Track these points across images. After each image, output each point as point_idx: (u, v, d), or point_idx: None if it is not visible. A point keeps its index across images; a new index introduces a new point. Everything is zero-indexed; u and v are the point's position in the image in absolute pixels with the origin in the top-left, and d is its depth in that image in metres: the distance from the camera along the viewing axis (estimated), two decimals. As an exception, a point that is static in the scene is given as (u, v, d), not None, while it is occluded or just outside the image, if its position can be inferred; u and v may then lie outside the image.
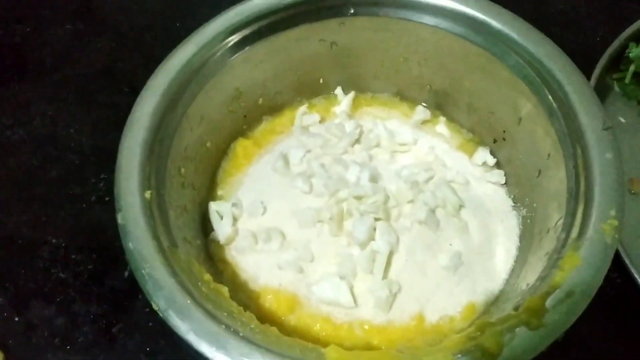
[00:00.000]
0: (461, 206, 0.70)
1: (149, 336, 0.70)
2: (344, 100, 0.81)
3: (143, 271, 0.53)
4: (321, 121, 0.80)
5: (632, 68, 0.87)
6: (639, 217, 0.77)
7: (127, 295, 0.72)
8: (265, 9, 0.71)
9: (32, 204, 0.80)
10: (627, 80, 0.87)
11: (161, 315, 0.52)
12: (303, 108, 0.81)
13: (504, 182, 0.74)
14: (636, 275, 0.67)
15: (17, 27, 1.00)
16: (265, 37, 0.72)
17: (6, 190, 0.81)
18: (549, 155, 0.65)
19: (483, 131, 0.77)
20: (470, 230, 0.69)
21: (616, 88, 0.89)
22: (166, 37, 0.97)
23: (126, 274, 0.74)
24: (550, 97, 0.64)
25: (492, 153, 0.76)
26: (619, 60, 0.88)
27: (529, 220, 0.69)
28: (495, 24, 0.68)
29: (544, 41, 0.66)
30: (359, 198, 0.68)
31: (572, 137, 0.61)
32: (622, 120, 0.88)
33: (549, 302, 0.52)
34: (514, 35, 0.67)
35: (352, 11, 0.72)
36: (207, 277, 0.58)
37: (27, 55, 0.97)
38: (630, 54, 0.87)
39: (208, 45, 0.68)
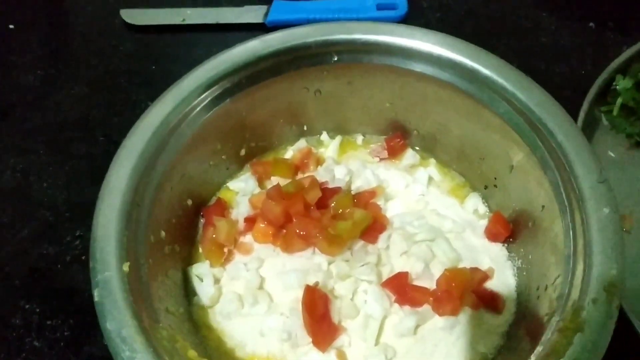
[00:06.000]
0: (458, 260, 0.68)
1: (131, 407, 0.66)
2: (330, 146, 0.79)
3: (123, 355, 0.50)
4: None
5: (619, 100, 0.85)
6: (632, 255, 0.74)
7: (107, 363, 0.68)
8: (245, 59, 0.68)
9: (3, 266, 0.75)
10: (615, 113, 0.86)
11: (144, 403, 0.48)
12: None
13: (497, 230, 0.72)
14: (632, 319, 0.64)
15: (-16, 74, 0.96)
16: (246, 88, 0.69)
17: (-26, 252, 0.77)
18: (543, 207, 0.63)
19: (474, 177, 0.75)
20: (465, 285, 0.66)
21: (604, 121, 0.88)
22: (142, 81, 0.94)
23: (105, 340, 0.69)
24: (542, 146, 0.62)
25: (484, 199, 0.74)
26: (607, 93, 0.87)
27: (524, 273, 0.67)
28: (483, 70, 0.66)
29: (534, 89, 0.64)
30: (347, 260, 0.66)
31: (566, 189, 0.59)
32: (612, 154, 0.86)
33: (553, 376, 0.49)
34: (503, 82, 0.65)
35: (335, 59, 0.70)
36: (192, 353, 0.55)
37: (-5, 104, 0.93)
38: (618, 86, 0.86)
39: (185, 100, 0.65)
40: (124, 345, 0.50)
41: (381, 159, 0.79)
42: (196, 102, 0.66)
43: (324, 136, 0.80)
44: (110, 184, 0.59)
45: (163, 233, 0.63)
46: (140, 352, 0.50)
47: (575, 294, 0.54)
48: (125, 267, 0.54)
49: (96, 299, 0.53)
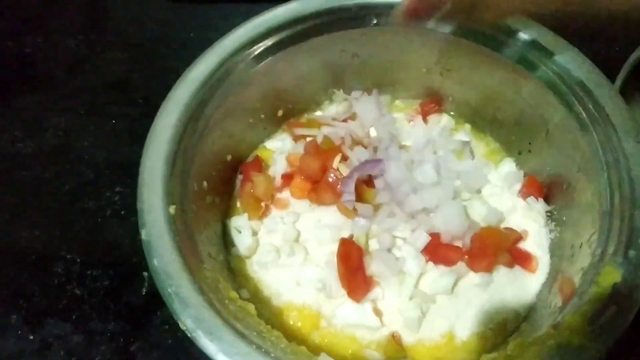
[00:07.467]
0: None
1: (168, 354, 0.68)
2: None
3: (170, 289, 0.52)
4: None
5: (652, 78, 0.85)
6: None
7: (145, 311, 0.70)
8: (285, 20, 0.69)
9: (46, 218, 0.78)
10: (649, 90, 0.86)
11: (189, 335, 0.50)
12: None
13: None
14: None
15: (28, 38, 0.98)
16: (286, 49, 0.70)
17: (19, 205, 0.79)
18: (579, 168, 0.64)
19: (508, 142, 0.76)
20: (501, 246, 0.67)
21: (637, 98, 0.87)
22: (180, 47, 0.96)
23: (143, 290, 0.72)
24: (580, 108, 0.63)
25: (518, 164, 0.75)
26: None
27: (558, 233, 0.68)
28: (521, 34, 0.67)
29: (572, 52, 0.65)
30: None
31: (604, 150, 0.60)
32: (644, 131, 0.86)
33: (589, 320, 0.50)
34: (542, 45, 0.66)
35: (374, 22, 0.71)
36: (234, 294, 0.57)
37: (37, 67, 0.96)
38: (651, 64, 0.85)
39: (229, 57, 0.67)
40: (170, 280, 0.52)
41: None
42: (239, 59, 0.68)
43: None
44: (156, 132, 0.61)
45: (205, 183, 0.65)
46: (185, 287, 0.52)
47: (611, 248, 0.54)
48: (172, 209, 0.56)
49: (144, 237, 0.55)
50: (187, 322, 0.50)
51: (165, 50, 0.96)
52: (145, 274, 0.72)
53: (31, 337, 0.69)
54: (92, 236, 0.76)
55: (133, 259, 0.74)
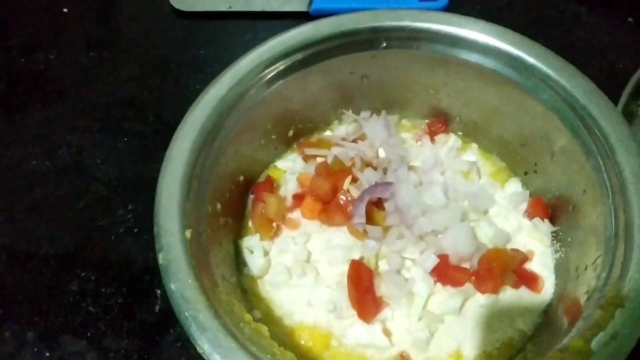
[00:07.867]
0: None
1: (181, 372, 0.69)
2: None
3: (187, 313, 0.53)
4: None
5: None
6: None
7: (158, 329, 0.72)
8: (298, 43, 0.71)
9: (60, 235, 0.79)
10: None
11: (206, 358, 0.51)
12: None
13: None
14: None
15: (40, 55, 1.00)
16: (297, 71, 0.72)
17: (33, 222, 0.81)
18: (584, 190, 0.65)
19: (514, 162, 0.78)
20: (507, 266, 0.69)
21: (640, 116, 0.89)
22: (191, 64, 0.97)
23: (156, 307, 0.73)
24: (585, 132, 0.64)
25: (524, 184, 0.76)
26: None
27: (563, 254, 0.69)
28: (528, 58, 0.68)
29: (579, 77, 0.66)
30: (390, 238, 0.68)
31: (609, 174, 0.61)
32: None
33: (594, 345, 0.51)
34: (548, 70, 0.67)
35: (384, 45, 0.73)
36: (248, 317, 0.58)
37: (50, 83, 0.97)
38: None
39: (243, 80, 0.68)
40: (187, 304, 0.53)
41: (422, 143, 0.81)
42: (252, 82, 0.69)
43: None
44: (172, 156, 0.62)
45: (219, 205, 0.67)
46: (202, 311, 0.53)
47: (616, 272, 0.56)
48: (188, 233, 0.57)
49: (161, 262, 0.56)
50: (205, 346, 0.51)
51: (175, 66, 0.97)
52: (158, 291, 0.74)
53: (47, 354, 0.70)
54: (106, 254, 0.78)
55: (146, 277, 0.75)
